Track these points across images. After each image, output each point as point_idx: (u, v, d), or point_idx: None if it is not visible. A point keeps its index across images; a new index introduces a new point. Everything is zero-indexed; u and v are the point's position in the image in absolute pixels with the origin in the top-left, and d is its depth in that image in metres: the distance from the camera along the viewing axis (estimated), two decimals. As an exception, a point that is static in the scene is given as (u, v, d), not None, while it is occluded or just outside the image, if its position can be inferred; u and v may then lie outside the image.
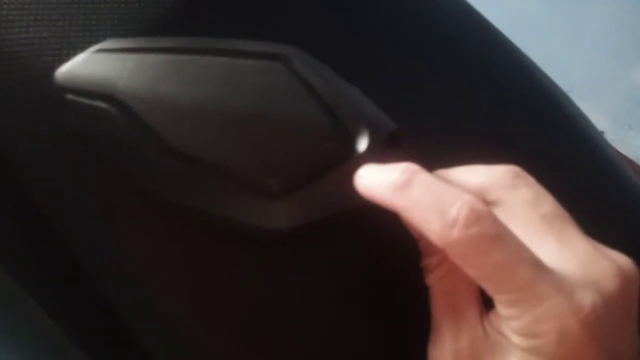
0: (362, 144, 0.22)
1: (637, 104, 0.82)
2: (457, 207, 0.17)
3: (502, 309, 0.18)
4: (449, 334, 0.20)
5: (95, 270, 0.24)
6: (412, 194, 0.18)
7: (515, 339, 0.18)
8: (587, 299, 0.17)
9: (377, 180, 0.20)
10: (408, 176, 0.19)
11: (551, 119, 0.30)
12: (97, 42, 0.23)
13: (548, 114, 0.30)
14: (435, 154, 0.22)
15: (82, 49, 0.23)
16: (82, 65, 0.23)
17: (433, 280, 0.21)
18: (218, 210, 0.22)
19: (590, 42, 0.79)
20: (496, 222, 0.17)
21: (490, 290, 0.18)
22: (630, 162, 0.89)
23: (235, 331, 0.23)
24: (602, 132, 0.89)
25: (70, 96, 0.22)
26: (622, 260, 0.19)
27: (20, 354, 0.27)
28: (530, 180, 0.20)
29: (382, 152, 0.22)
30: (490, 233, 0.17)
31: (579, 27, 0.78)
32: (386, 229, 0.22)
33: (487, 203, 0.20)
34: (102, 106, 0.22)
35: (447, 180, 0.21)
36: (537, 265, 0.17)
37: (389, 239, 0.22)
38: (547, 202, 0.19)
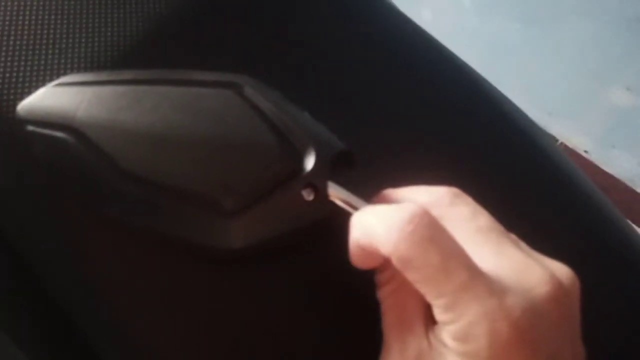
0: (309, 163, 0.23)
1: (618, 123, 0.83)
2: (396, 212, 0.18)
3: (439, 314, 0.18)
4: (396, 346, 0.20)
5: (62, 296, 0.24)
6: (361, 220, 0.20)
7: (452, 344, 0.18)
8: (518, 302, 0.17)
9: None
10: (357, 215, 0.20)
11: (492, 126, 0.31)
12: (57, 77, 0.24)
13: (496, 126, 0.31)
14: (390, 173, 0.23)
15: (44, 84, 0.24)
16: (42, 99, 0.24)
17: (383, 294, 0.21)
18: (175, 232, 0.23)
19: (569, 64, 0.80)
20: (433, 223, 0.18)
21: (429, 295, 0.18)
22: (617, 181, 0.89)
23: (199, 351, 0.23)
24: (586, 152, 0.90)
25: (31, 127, 0.23)
26: (558, 268, 0.19)
27: None
28: (468, 199, 0.21)
29: (329, 171, 0.23)
30: (427, 233, 0.18)
31: (556, 50, 0.80)
32: (340, 245, 0.22)
33: None
34: (61, 136, 0.23)
35: (392, 199, 0.22)
36: (472, 268, 0.18)
37: (343, 255, 0.23)
38: (483, 217, 0.20)
